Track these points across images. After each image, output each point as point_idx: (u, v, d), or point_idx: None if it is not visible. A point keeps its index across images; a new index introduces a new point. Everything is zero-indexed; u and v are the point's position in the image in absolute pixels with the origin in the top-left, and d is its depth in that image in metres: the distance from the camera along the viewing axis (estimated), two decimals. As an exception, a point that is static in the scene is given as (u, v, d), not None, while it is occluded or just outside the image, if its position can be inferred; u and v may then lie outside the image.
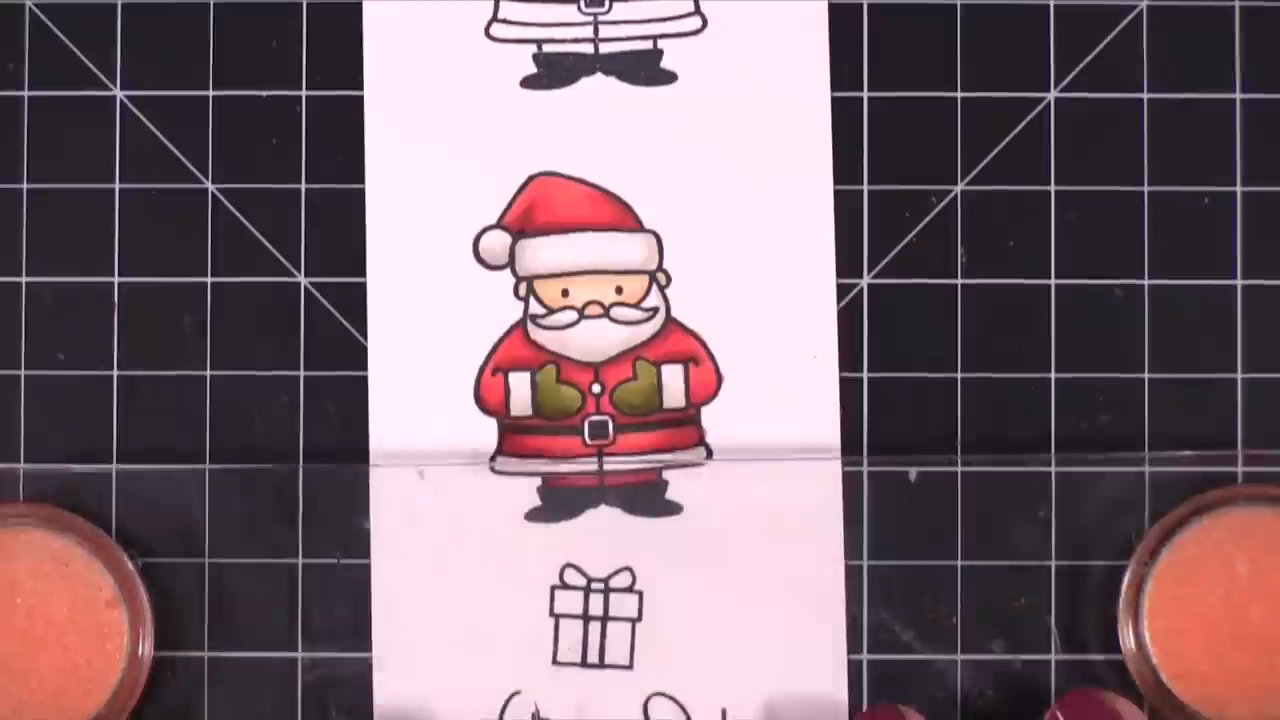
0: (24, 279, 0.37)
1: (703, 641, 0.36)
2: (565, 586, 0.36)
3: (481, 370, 0.36)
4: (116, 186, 0.37)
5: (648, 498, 0.36)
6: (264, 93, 0.37)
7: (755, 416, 0.36)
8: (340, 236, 0.37)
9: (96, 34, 0.37)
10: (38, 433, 0.37)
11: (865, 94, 0.37)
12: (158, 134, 0.37)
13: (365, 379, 0.37)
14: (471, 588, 0.36)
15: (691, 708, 0.36)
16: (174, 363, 0.37)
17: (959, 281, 0.37)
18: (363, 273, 0.37)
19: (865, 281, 0.37)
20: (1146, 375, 0.37)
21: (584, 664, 0.36)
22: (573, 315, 0.36)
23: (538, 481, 0.36)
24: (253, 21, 0.37)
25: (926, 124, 0.37)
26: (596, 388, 0.36)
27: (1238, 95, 0.37)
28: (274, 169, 0.37)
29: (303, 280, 0.37)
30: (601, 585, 0.36)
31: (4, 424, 0.37)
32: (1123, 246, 0.37)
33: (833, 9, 0.37)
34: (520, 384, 0.36)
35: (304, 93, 0.37)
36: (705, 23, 0.37)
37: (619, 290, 0.37)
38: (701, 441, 0.37)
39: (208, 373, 0.37)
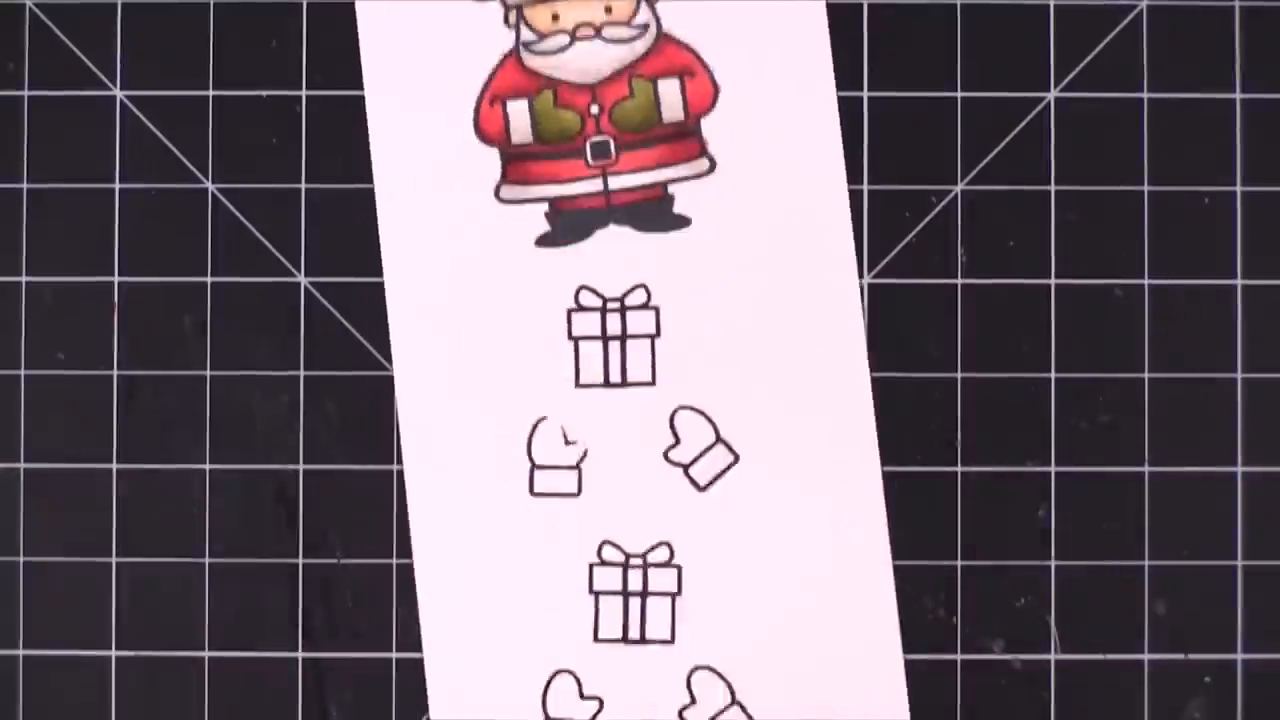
0: (24, 279, 0.37)
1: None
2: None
3: (479, 101, 0.36)
4: (116, 186, 0.37)
5: (655, 213, 0.36)
6: (264, 93, 0.37)
7: (755, 125, 0.36)
8: (340, 236, 0.37)
9: (96, 34, 0.37)
10: (38, 433, 0.37)
11: (865, 94, 0.37)
12: (158, 134, 0.37)
13: (365, 379, 0.37)
14: (487, 319, 0.36)
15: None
16: (174, 363, 0.37)
17: (959, 281, 0.37)
18: (363, 273, 0.37)
19: (865, 281, 0.37)
20: (1146, 375, 0.37)
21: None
22: (564, 39, 0.36)
23: (544, 207, 0.36)
24: (253, 21, 0.37)
25: (926, 124, 0.37)
26: (595, 108, 0.36)
27: (1238, 95, 0.37)
28: (274, 169, 0.37)
29: (303, 280, 0.37)
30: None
31: (4, 424, 0.37)
32: (1123, 246, 0.37)
33: (832, 9, 0.37)
34: (518, 111, 0.36)
35: (304, 93, 0.37)
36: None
37: (608, 10, 0.36)
38: (704, 153, 0.36)
39: (208, 373, 0.37)
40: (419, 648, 0.36)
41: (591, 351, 0.36)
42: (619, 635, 0.36)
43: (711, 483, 0.36)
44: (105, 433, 0.37)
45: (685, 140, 0.36)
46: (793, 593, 0.36)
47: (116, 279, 0.37)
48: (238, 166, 0.37)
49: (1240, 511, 0.37)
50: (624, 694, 0.36)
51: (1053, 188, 0.37)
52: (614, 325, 0.36)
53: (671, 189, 0.36)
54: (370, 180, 0.37)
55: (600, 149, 0.36)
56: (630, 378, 0.36)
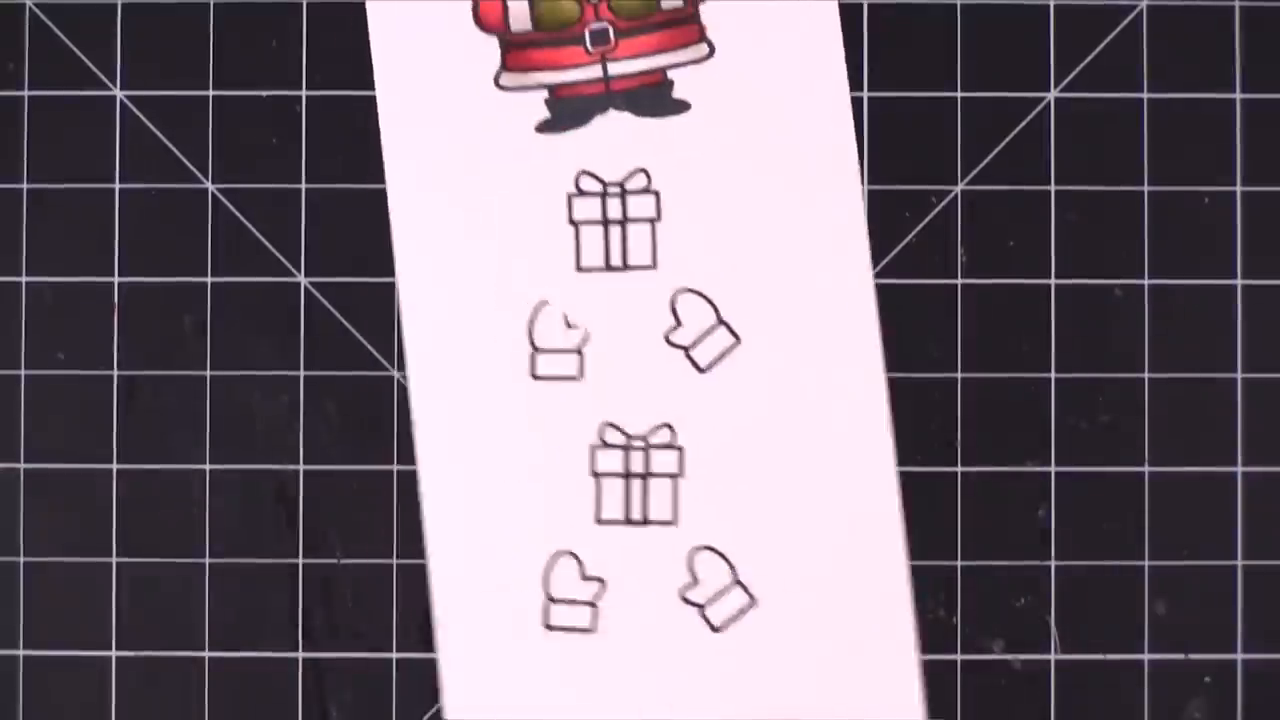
0: (24, 278, 0.37)
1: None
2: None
3: None
4: (116, 186, 0.37)
5: (655, 98, 0.36)
6: (264, 93, 0.37)
7: (753, 9, 0.36)
8: (340, 236, 0.37)
9: (97, 34, 0.37)
10: (38, 433, 0.37)
11: (865, 94, 0.37)
12: (158, 134, 0.37)
13: (366, 379, 0.37)
14: (487, 205, 0.36)
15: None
16: (174, 363, 0.37)
17: (959, 281, 0.37)
18: (364, 273, 0.37)
19: (865, 281, 0.37)
20: (1146, 375, 0.37)
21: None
22: None
23: (544, 94, 0.36)
24: (253, 21, 0.37)
25: (926, 124, 0.37)
26: None
27: (1238, 95, 0.37)
28: (274, 169, 0.37)
29: (303, 280, 0.37)
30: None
31: (4, 424, 0.37)
32: (1123, 246, 0.37)
33: (833, 9, 0.37)
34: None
35: (304, 92, 0.37)
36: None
37: None
38: (703, 38, 0.37)
39: (208, 373, 0.37)
40: (419, 648, 0.37)
41: (592, 236, 0.36)
42: (621, 517, 0.36)
43: (713, 364, 0.36)
44: (105, 433, 0.37)
45: (684, 26, 0.37)
46: (793, 474, 0.36)
47: (116, 279, 0.37)
48: (238, 166, 0.37)
49: (1240, 511, 0.37)
50: (626, 575, 0.36)
51: (1053, 188, 0.37)
52: (614, 209, 0.36)
53: (671, 74, 0.36)
54: (370, 179, 0.37)
55: (600, 35, 0.36)
56: (631, 261, 0.36)
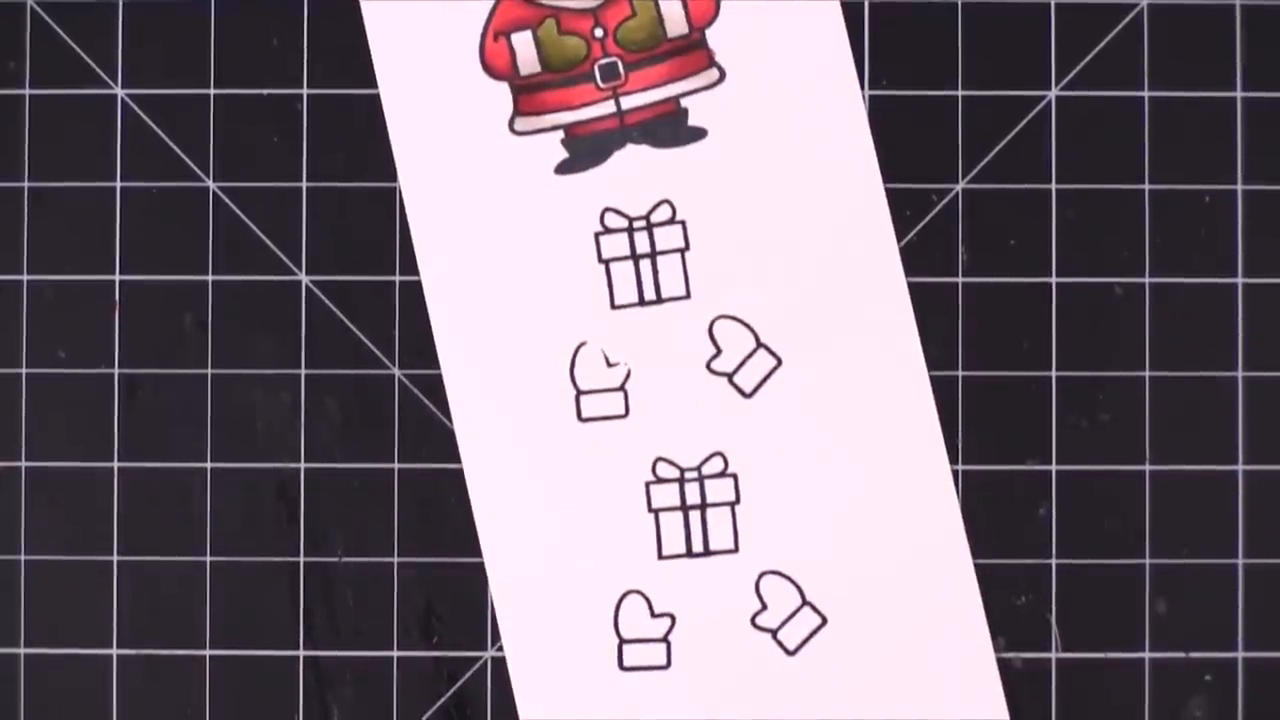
0: (25, 277, 0.37)
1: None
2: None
3: (483, 38, 0.36)
4: (117, 185, 0.37)
5: (671, 128, 0.36)
6: (265, 91, 0.37)
7: (760, 30, 0.36)
8: (341, 234, 0.37)
9: (97, 32, 0.37)
10: (38, 431, 0.37)
11: (865, 93, 0.37)
12: (159, 132, 0.37)
13: (367, 377, 0.37)
14: (515, 252, 0.36)
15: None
16: (175, 361, 0.37)
17: (959, 280, 0.37)
18: (365, 271, 0.37)
19: (866, 280, 0.37)
20: (1146, 375, 0.37)
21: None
22: None
23: (560, 135, 0.36)
24: (253, 19, 0.37)
25: (927, 122, 0.37)
26: (599, 31, 0.36)
27: (1238, 94, 0.37)
28: (275, 167, 0.37)
29: (303, 279, 0.37)
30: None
31: (4, 423, 0.37)
32: (1123, 245, 0.37)
33: (834, 8, 0.37)
34: (523, 43, 0.36)
35: (305, 91, 0.37)
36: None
37: None
38: (712, 63, 0.37)
39: (208, 372, 0.37)
40: (420, 646, 0.37)
41: (623, 272, 0.36)
42: (683, 550, 0.36)
43: (757, 389, 0.36)
44: (106, 431, 0.37)
45: (692, 52, 0.36)
46: (849, 489, 0.36)
47: (117, 277, 0.37)
48: (239, 164, 0.37)
49: (1241, 510, 0.37)
50: (695, 608, 0.36)
51: (1053, 186, 0.37)
52: (642, 243, 0.36)
53: (684, 102, 0.36)
54: (370, 178, 0.37)
55: (609, 70, 0.36)
56: (664, 293, 0.36)
